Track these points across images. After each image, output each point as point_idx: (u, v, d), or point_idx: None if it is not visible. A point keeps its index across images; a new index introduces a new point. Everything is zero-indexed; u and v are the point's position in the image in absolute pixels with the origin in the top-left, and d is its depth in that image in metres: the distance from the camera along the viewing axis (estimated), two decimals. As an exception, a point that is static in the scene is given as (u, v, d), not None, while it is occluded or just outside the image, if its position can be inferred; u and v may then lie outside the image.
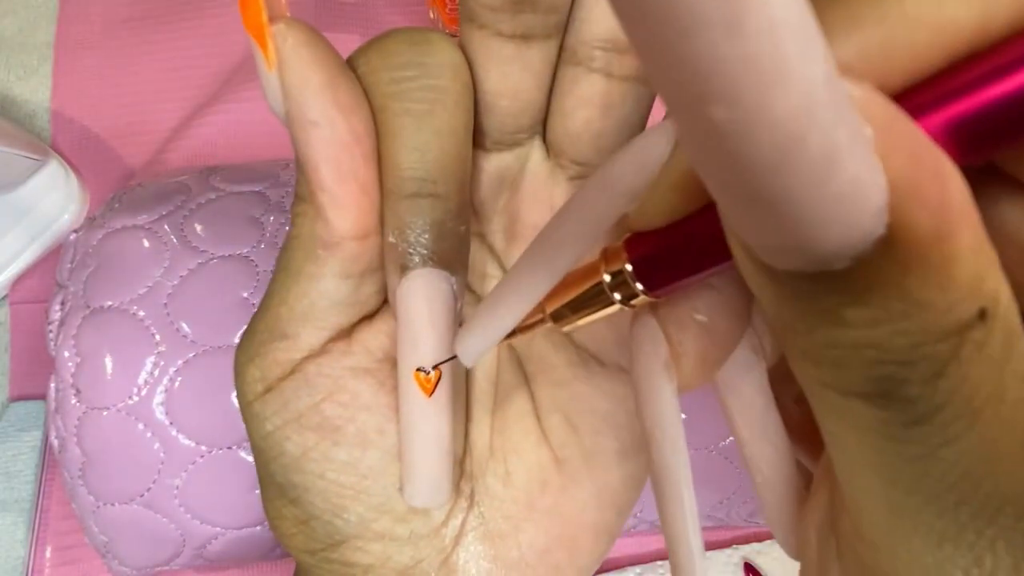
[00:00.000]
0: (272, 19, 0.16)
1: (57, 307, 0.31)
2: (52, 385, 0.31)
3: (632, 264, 0.13)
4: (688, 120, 0.08)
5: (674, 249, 0.13)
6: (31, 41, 0.44)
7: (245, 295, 0.31)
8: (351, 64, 0.17)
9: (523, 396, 0.20)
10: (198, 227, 0.32)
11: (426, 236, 0.17)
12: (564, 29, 0.18)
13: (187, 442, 0.30)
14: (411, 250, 0.17)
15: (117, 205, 0.33)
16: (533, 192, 0.20)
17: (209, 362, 0.30)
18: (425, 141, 0.17)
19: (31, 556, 0.36)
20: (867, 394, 0.09)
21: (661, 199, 0.12)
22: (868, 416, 0.10)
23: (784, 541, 0.16)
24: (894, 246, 0.08)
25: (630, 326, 0.15)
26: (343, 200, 0.17)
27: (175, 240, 0.31)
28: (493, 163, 0.20)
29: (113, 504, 0.30)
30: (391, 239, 0.17)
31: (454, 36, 0.18)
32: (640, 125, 0.19)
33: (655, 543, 0.39)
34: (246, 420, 0.18)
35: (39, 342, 0.39)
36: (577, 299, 0.15)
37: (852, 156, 0.08)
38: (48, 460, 0.37)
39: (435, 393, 0.17)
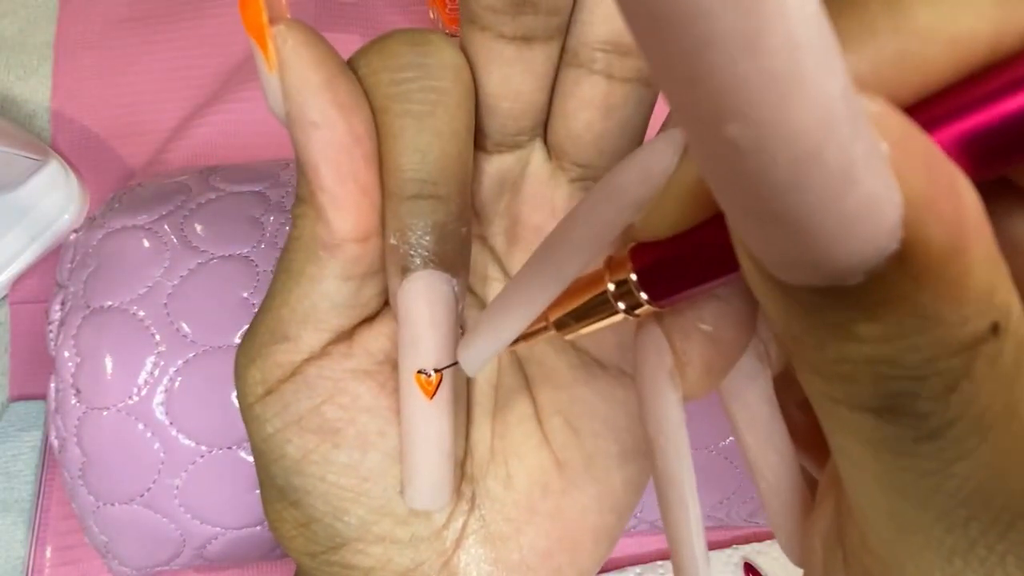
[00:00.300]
0: (272, 20, 0.16)
1: (57, 307, 0.31)
2: (52, 385, 0.31)
3: (637, 274, 0.13)
4: (702, 135, 0.08)
5: (679, 260, 0.13)
6: (31, 41, 0.44)
7: (245, 295, 0.31)
8: (352, 65, 0.17)
9: (524, 399, 0.20)
10: (198, 227, 0.32)
11: (427, 238, 0.17)
12: (566, 31, 0.18)
13: (187, 442, 0.30)
14: (412, 252, 0.17)
15: (117, 205, 0.33)
16: (534, 194, 0.20)
17: (209, 362, 0.30)
18: (426, 142, 0.17)
19: (31, 556, 0.36)
20: (877, 409, 0.09)
21: (666, 210, 0.12)
22: (878, 431, 0.10)
23: (788, 548, 0.16)
24: (908, 261, 0.08)
25: (635, 334, 0.15)
26: (344, 201, 0.17)
27: (175, 240, 0.31)
28: (494, 165, 0.19)
29: (113, 504, 0.30)
30: (392, 241, 0.17)
31: (454, 36, 0.18)
32: (642, 127, 0.19)
33: (655, 543, 0.39)
34: (246, 422, 0.18)
35: (39, 342, 0.39)
36: (581, 308, 0.15)
37: (868, 172, 0.08)
38: (48, 460, 0.37)
39: (436, 395, 0.17)
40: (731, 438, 0.32)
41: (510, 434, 0.20)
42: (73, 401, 0.29)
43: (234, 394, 0.29)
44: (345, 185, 0.16)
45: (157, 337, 0.30)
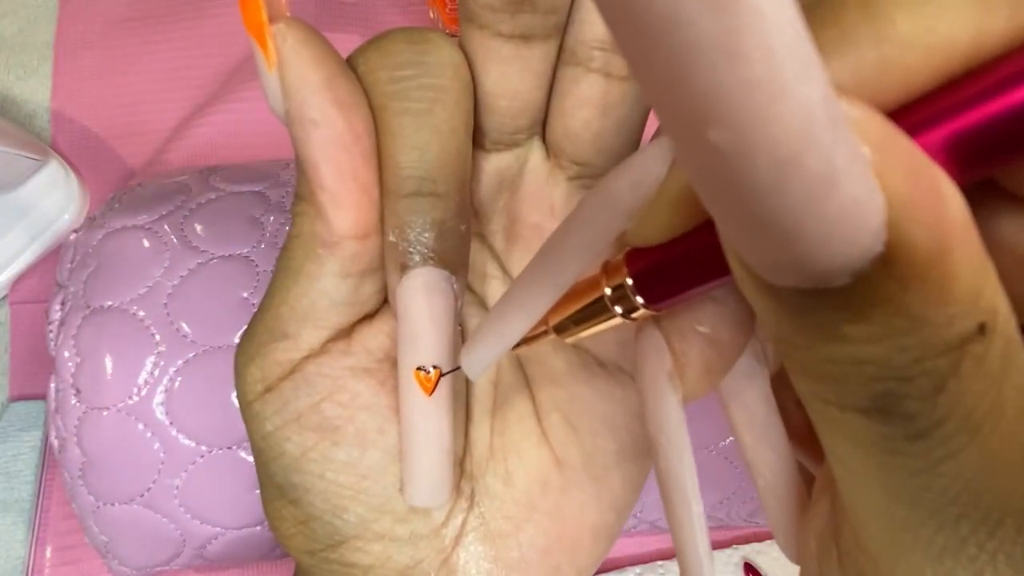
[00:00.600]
0: (272, 19, 0.16)
1: (57, 307, 0.31)
2: (52, 385, 0.31)
3: (632, 278, 0.13)
4: (686, 141, 0.08)
5: (674, 264, 0.13)
6: (31, 41, 0.44)
7: (245, 295, 0.31)
8: (351, 64, 0.17)
9: (523, 397, 0.20)
10: (198, 227, 0.32)
11: (426, 235, 0.17)
12: (563, 30, 0.18)
13: (187, 442, 0.30)
14: (411, 249, 0.17)
15: (117, 205, 0.33)
16: (533, 192, 0.20)
17: (209, 362, 0.30)
18: (425, 140, 0.17)
19: (31, 556, 0.36)
20: (867, 409, 0.09)
21: (659, 216, 0.12)
22: (868, 431, 0.10)
23: (785, 546, 0.16)
24: (893, 263, 0.08)
25: (635, 337, 0.15)
26: (343, 199, 0.17)
27: (175, 240, 0.31)
28: (492, 163, 0.20)
29: (113, 504, 0.30)
30: (391, 238, 0.17)
31: (454, 36, 0.18)
32: (639, 125, 0.19)
33: (655, 543, 0.39)
34: (246, 420, 0.18)
35: (39, 342, 0.39)
36: (579, 312, 0.15)
37: (850, 176, 0.08)
38: (48, 460, 0.37)
39: (435, 392, 0.17)
40: (731, 438, 0.32)
41: (509, 432, 0.20)
42: (73, 401, 0.29)
43: (234, 394, 0.29)
44: (344, 183, 0.16)
45: (157, 337, 0.30)
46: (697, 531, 0.14)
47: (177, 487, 0.30)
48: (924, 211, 0.08)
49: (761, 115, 0.07)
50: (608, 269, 0.14)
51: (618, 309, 0.14)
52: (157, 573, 0.33)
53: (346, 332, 0.18)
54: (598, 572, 0.38)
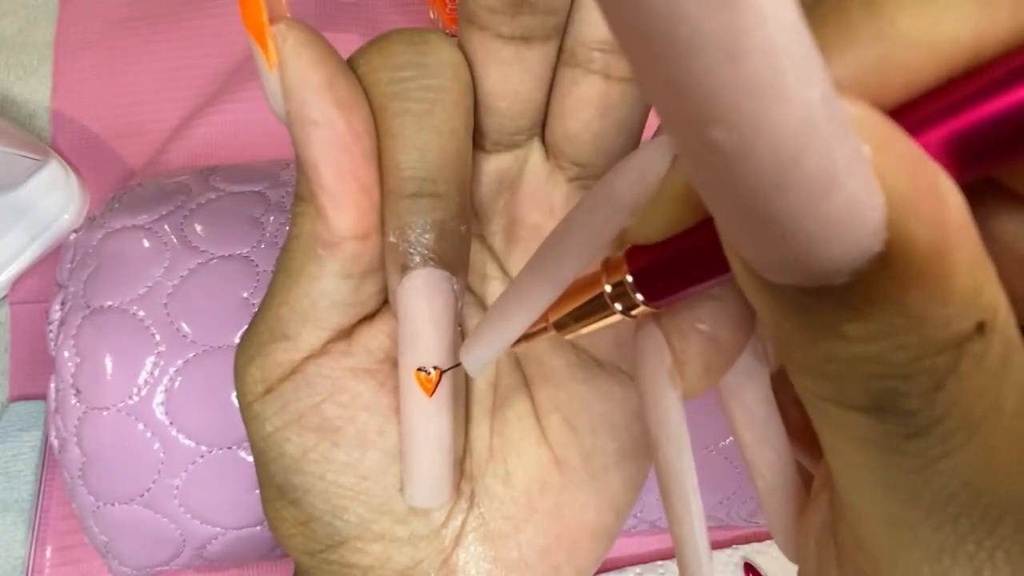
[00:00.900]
0: (272, 19, 0.16)
1: (57, 307, 0.31)
2: (52, 385, 0.31)
3: (632, 276, 0.13)
4: (687, 140, 0.08)
5: (674, 261, 0.13)
6: (31, 41, 0.44)
7: (245, 295, 0.31)
8: (351, 64, 0.17)
9: (523, 397, 0.20)
10: (198, 227, 0.32)
11: (427, 236, 0.17)
12: (563, 31, 0.18)
13: (187, 442, 0.30)
14: (412, 250, 0.17)
15: (117, 205, 0.33)
16: (532, 193, 0.20)
17: (209, 362, 0.30)
18: (425, 141, 0.17)
19: (31, 556, 0.36)
20: (866, 407, 0.09)
21: (660, 214, 0.12)
22: (867, 429, 0.10)
23: (784, 545, 0.16)
24: (892, 262, 0.08)
25: (634, 334, 0.15)
26: (343, 200, 0.17)
27: (175, 240, 0.31)
28: (492, 164, 0.20)
29: (113, 504, 0.30)
30: (392, 239, 0.17)
31: (454, 36, 0.19)
32: (639, 126, 0.19)
33: (655, 543, 0.39)
34: (246, 421, 0.18)
35: (39, 342, 0.39)
36: (580, 309, 0.15)
37: (850, 175, 0.08)
38: (48, 460, 0.37)
39: (436, 393, 0.17)
40: (731, 438, 0.32)
41: (509, 432, 0.20)
42: (73, 401, 0.29)
43: (234, 394, 0.29)
44: (345, 183, 0.16)
45: (157, 337, 0.30)
46: (697, 529, 0.14)
47: (177, 487, 0.30)
48: (924, 210, 0.08)
49: (762, 114, 0.07)
50: (608, 266, 0.14)
51: (618, 306, 0.14)
52: (157, 573, 0.33)
53: (346, 333, 0.18)
54: (598, 572, 0.38)
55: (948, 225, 0.08)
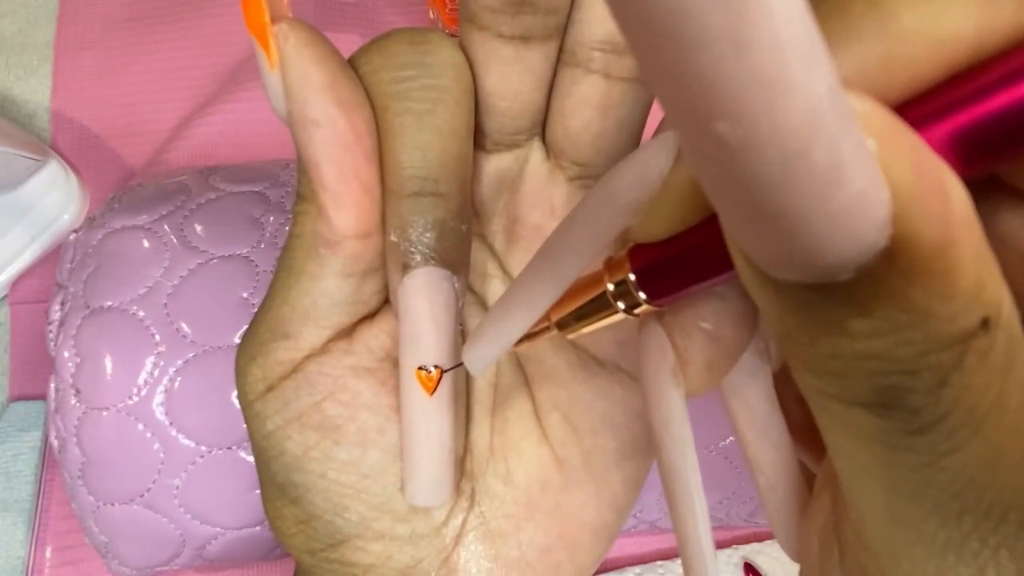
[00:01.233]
0: (274, 19, 0.16)
1: (57, 307, 0.31)
2: (52, 385, 0.31)
3: (635, 274, 0.13)
4: (692, 134, 0.08)
5: (676, 260, 0.13)
6: (31, 41, 0.44)
7: (245, 295, 0.31)
8: (352, 64, 0.17)
9: (523, 396, 0.20)
10: (198, 227, 0.32)
11: (428, 235, 0.17)
12: (563, 31, 0.18)
13: (187, 442, 0.30)
14: (413, 249, 0.17)
15: (117, 205, 0.33)
16: (533, 193, 0.20)
17: (209, 362, 0.30)
18: (426, 140, 0.17)
19: (31, 556, 0.36)
20: (870, 404, 0.09)
21: (663, 212, 0.12)
22: (871, 426, 0.10)
23: (786, 543, 0.16)
24: (897, 257, 0.08)
25: (637, 333, 0.15)
26: (345, 199, 0.17)
27: (175, 240, 0.31)
28: (493, 164, 0.20)
29: (113, 504, 0.30)
30: (393, 238, 0.17)
31: (454, 36, 0.19)
32: (639, 126, 0.19)
33: (655, 543, 0.39)
34: (247, 419, 0.18)
35: (39, 342, 0.39)
36: (582, 308, 0.15)
37: (856, 170, 0.08)
38: (48, 460, 0.37)
39: (436, 392, 0.17)
40: (731, 438, 0.32)
41: (509, 431, 0.20)
42: (73, 401, 0.29)
43: (234, 394, 0.29)
44: (346, 183, 0.16)
45: (157, 337, 0.30)
46: (700, 527, 0.14)
47: (177, 487, 0.30)
48: (929, 205, 0.08)
49: (768, 108, 0.07)
50: (611, 265, 0.14)
51: (621, 305, 0.14)
52: (157, 573, 0.33)
53: (347, 331, 0.18)
54: (598, 572, 0.38)
55: (953, 220, 0.08)
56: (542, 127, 0.19)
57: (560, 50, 0.18)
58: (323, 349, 0.18)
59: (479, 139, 0.19)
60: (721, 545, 0.39)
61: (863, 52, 0.10)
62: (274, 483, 0.18)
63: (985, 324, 0.09)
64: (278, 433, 0.18)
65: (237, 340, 0.30)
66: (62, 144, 0.42)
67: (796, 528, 0.15)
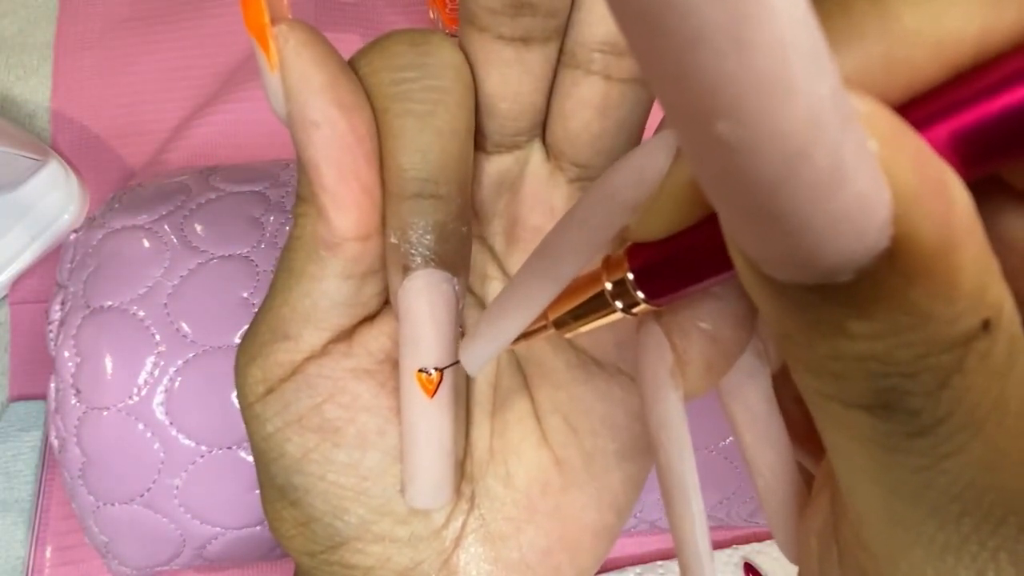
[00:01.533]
0: (274, 20, 0.16)
1: (57, 307, 0.31)
2: (52, 385, 0.31)
3: (633, 273, 0.13)
4: (692, 134, 0.08)
5: (675, 260, 0.13)
6: (31, 41, 0.44)
7: (245, 295, 0.31)
8: (353, 65, 0.17)
9: (523, 398, 0.20)
10: (198, 227, 0.32)
11: (428, 237, 0.17)
12: (563, 32, 0.18)
13: (187, 442, 0.30)
14: (413, 251, 0.17)
15: (117, 205, 0.33)
16: (533, 194, 0.20)
17: (209, 362, 0.30)
18: (427, 142, 0.17)
19: (31, 556, 0.36)
20: (870, 406, 0.09)
21: (661, 212, 0.12)
22: (870, 428, 0.10)
23: (785, 545, 0.16)
24: (899, 258, 0.08)
25: (636, 333, 0.15)
26: (345, 201, 0.17)
27: (175, 240, 0.31)
28: (493, 165, 0.20)
29: (113, 504, 0.30)
30: (393, 240, 0.17)
31: (454, 36, 0.19)
32: (639, 127, 0.19)
33: (655, 543, 0.39)
34: (247, 421, 0.18)
35: (39, 342, 0.39)
36: (579, 307, 0.15)
37: (857, 170, 0.08)
38: (48, 460, 0.37)
39: (437, 394, 0.17)
40: (731, 438, 0.32)
41: (509, 433, 0.20)
42: (73, 401, 0.29)
43: (234, 394, 0.29)
44: (346, 184, 0.16)
45: (157, 337, 0.30)
46: (697, 528, 0.14)
47: (177, 487, 0.30)
48: (930, 206, 0.08)
49: (770, 108, 0.07)
50: (609, 264, 0.14)
51: (619, 304, 0.14)
52: (157, 573, 0.33)
53: (347, 333, 0.18)
54: (598, 572, 0.38)
55: (954, 222, 0.08)
56: (542, 129, 0.19)
57: (560, 51, 0.18)
58: (323, 351, 0.18)
59: (479, 140, 0.19)
60: (721, 545, 0.39)
61: (865, 52, 0.10)
62: (274, 485, 0.18)
63: (986, 326, 0.09)
64: (278, 435, 0.18)
65: (237, 340, 0.30)
66: (62, 144, 0.42)
67: (795, 529, 0.15)
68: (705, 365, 0.14)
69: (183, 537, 0.31)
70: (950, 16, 0.10)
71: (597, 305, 0.14)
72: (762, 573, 0.37)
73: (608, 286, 0.14)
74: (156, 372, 0.30)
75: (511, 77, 0.18)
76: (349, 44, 0.43)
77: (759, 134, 0.07)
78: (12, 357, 0.39)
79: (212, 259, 0.31)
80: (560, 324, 0.16)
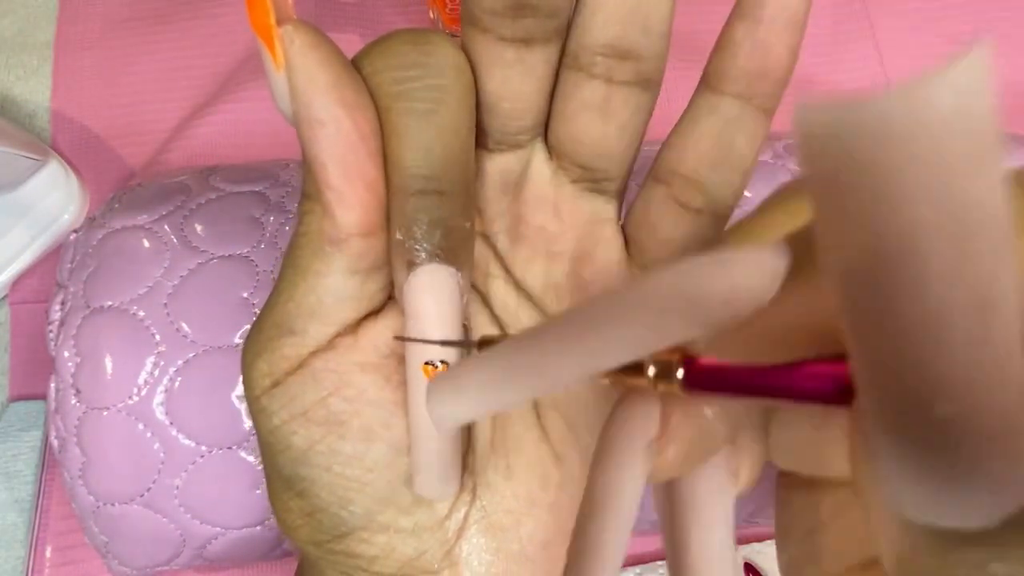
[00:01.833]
0: (279, 21, 0.16)
1: (57, 307, 0.31)
2: (52, 385, 0.31)
3: (684, 372, 0.12)
4: (902, 415, 0.08)
5: (735, 381, 0.11)
6: (31, 41, 0.44)
7: (245, 295, 0.31)
8: (355, 66, 0.18)
9: None
10: (198, 227, 0.32)
11: (433, 233, 0.17)
12: (564, 33, 0.18)
13: (187, 442, 0.30)
14: (418, 247, 0.17)
15: (117, 205, 0.33)
16: (537, 194, 0.20)
17: (209, 362, 0.30)
18: (430, 140, 0.17)
19: (31, 556, 0.36)
20: None
21: (747, 342, 0.11)
22: None
23: None
24: None
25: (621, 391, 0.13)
26: (350, 198, 0.17)
27: (175, 240, 0.31)
28: (495, 164, 0.20)
29: (113, 504, 0.30)
30: (398, 236, 0.17)
31: (454, 36, 0.19)
32: (641, 129, 0.19)
33: (655, 543, 0.39)
34: (253, 414, 0.19)
35: (39, 342, 0.39)
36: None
37: None
38: (48, 460, 0.37)
39: None
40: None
41: (510, 428, 0.20)
42: (73, 401, 0.29)
43: (234, 394, 0.29)
44: (351, 182, 0.17)
45: (157, 337, 0.30)
46: None
47: (177, 487, 0.30)
48: None
49: (993, 390, 0.08)
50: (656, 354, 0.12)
51: (651, 373, 0.12)
52: (157, 573, 0.33)
53: (352, 328, 0.18)
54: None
55: None
56: (544, 128, 0.20)
57: (562, 53, 0.18)
58: (329, 345, 0.18)
59: (482, 139, 0.19)
60: (721, 545, 0.39)
61: None
62: (280, 476, 0.19)
63: None
64: (284, 428, 0.18)
65: (237, 340, 0.30)
66: (62, 144, 0.42)
67: None
68: (687, 452, 0.13)
69: (183, 537, 0.31)
70: None
71: (627, 368, 0.12)
72: (762, 573, 0.37)
73: (651, 370, 0.12)
74: (156, 372, 0.30)
75: (513, 77, 0.18)
76: (349, 44, 0.43)
77: (977, 413, 0.08)
78: (12, 357, 0.39)
79: (212, 259, 0.31)
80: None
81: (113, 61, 0.43)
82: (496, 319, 0.21)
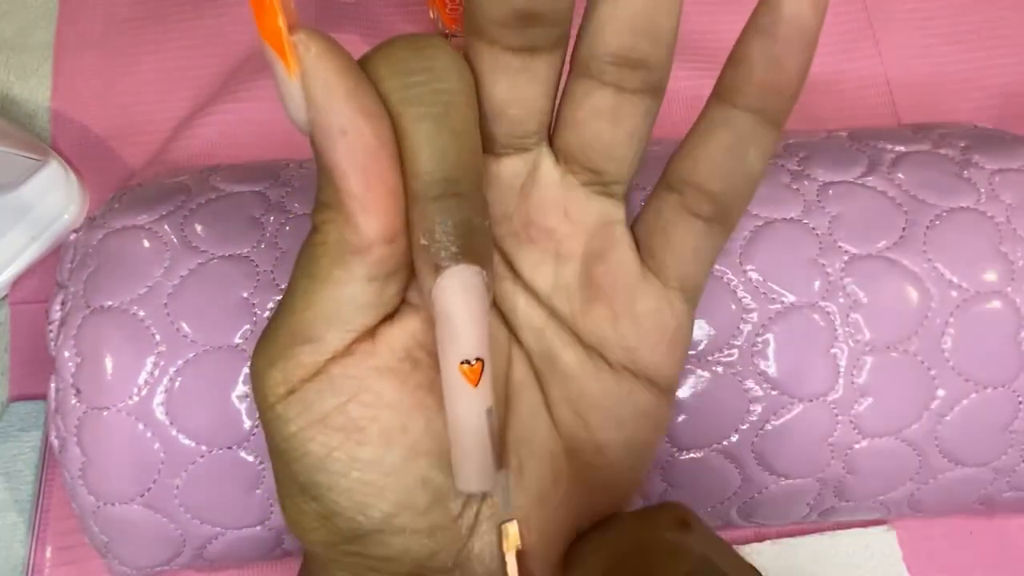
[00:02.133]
0: (290, 28, 0.16)
1: (57, 307, 0.31)
2: (52, 385, 0.31)
3: None
4: None
5: None
6: (31, 41, 0.43)
7: (245, 295, 0.31)
8: None
9: (534, 391, 0.21)
10: (198, 227, 0.32)
11: (455, 235, 0.17)
12: (568, 38, 0.19)
13: (187, 442, 0.30)
14: (443, 250, 0.17)
15: (117, 205, 0.33)
16: (546, 197, 0.20)
17: (209, 362, 0.30)
18: (444, 143, 0.17)
19: (31, 556, 0.36)
20: None
21: None
22: None
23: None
24: None
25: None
26: (373, 205, 0.17)
27: (175, 240, 0.31)
28: (502, 168, 0.20)
29: (113, 504, 0.30)
30: (423, 241, 0.17)
31: (455, 36, 0.19)
32: (648, 133, 0.20)
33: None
34: (265, 423, 0.19)
35: (39, 342, 0.39)
36: None
37: None
38: (48, 460, 0.37)
39: (480, 382, 0.17)
40: (732, 438, 0.32)
41: (521, 424, 0.21)
42: (73, 401, 0.29)
43: (234, 394, 0.29)
44: (374, 189, 0.17)
45: (157, 337, 0.30)
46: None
47: (177, 487, 0.30)
48: None
49: None
50: None
51: None
52: (157, 573, 0.33)
53: (370, 333, 0.18)
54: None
55: None
56: (548, 132, 0.20)
57: (572, 60, 0.19)
58: (347, 351, 0.18)
59: (488, 144, 0.19)
60: (720, 545, 0.39)
61: None
62: (295, 483, 0.19)
63: None
64: (301, 435, 0.18)
65: (238, 340, 0.30)
66: (62, 144, 0.42)
67: None
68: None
69: (183, 537, 0.31)
70: None
71: None
72: (762, 573, 0.37)
73: None
74: (156, 372, 0.30)
75: (519, 84, 0.18)
76: (349, 44, 0.43)
77: None
78: (12, 357, 0.39)
79: (212, 259, 0.31)
80: None
81: (113, 61, 0.43)
82: (506, 321, 0.21)
